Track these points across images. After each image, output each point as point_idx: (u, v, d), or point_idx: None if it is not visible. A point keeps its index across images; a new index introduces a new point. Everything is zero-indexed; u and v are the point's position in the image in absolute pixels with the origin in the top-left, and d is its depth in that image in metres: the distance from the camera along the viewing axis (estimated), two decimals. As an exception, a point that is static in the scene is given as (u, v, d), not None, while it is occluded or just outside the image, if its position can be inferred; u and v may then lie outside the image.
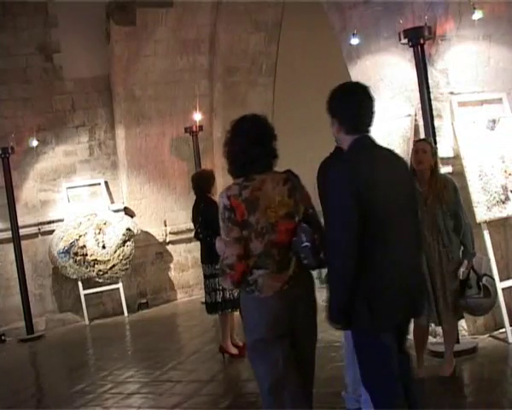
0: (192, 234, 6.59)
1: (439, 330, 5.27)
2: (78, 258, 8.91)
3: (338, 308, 3.01)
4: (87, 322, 9.06)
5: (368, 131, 3.16)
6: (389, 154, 3.24)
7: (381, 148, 3.22)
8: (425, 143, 4.88)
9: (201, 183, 6.21)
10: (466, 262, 4.72)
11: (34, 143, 9.02)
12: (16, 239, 8.57)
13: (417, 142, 5.03)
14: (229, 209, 3.14)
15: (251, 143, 3.18)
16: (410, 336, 5.23)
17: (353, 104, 3.15)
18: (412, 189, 3.28)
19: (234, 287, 3.43)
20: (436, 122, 5.63)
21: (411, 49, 5.55)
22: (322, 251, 3.11)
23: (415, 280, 3.14)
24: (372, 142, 3.16)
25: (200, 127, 9.35)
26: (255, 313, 3.19)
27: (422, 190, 4.72)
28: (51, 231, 9.10)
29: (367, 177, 2.95)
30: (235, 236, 3.12)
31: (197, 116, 9.29)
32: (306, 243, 3.12)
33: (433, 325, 5.08)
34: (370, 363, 3.07)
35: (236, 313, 5.81)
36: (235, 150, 3.25)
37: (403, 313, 3.10)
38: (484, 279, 4.78)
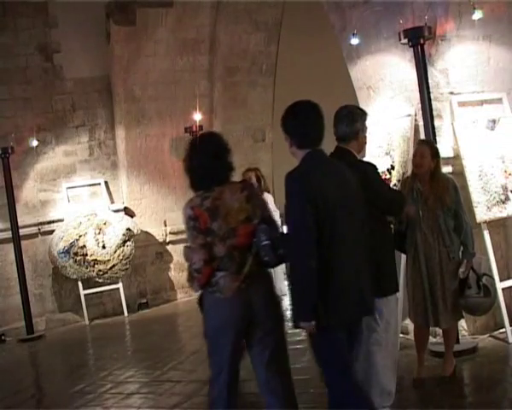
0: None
1: (439, 330, 5.27)
2: (78, 258, 8.91)
3: (308, 307, 3.26)
4: (87, 322, 9.06)
5: (318, 145, 3.46)
6: (337, 165, 3.58)
7: (330, 160, 3.61)
8: (424, 147, 4.83)
9: None
10: (466, 262, 4.72)
11: (34, 143, 9.01)
12: (16, 239, 8.57)
13: (418, 144, 5.01)
14: (193, 219, 3.43)
15: (208, 159, 3.50)
16: (411, 336, 5.27)
17: (302, 123, 3.45)
18: (359, 196, 3.54)
19: (200, 290, 3.60)
20: (436, 122, 5.63)
21: (411, 49, 5.55)
22: (281, 248, 3.39)
23: (364, 281, 3.42)
24: (322, 155, 3.49)
25: (200, 127, 9.34)
26: (216, 311, 3.49)
27: (423, 189, 4.72)
28: (51, 231, 9.10)
29: (318, 186, 3.30)
30: (201, 242, 3.41)
31: (197, 116, 9.29)
32: (266, 242, 3.38)
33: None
34: (328, 359, 3.41)
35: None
36: (194, 166, 3.54)
37: (354, 312, 3.40)
38: (483, 279, 4.78)
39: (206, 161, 3.50)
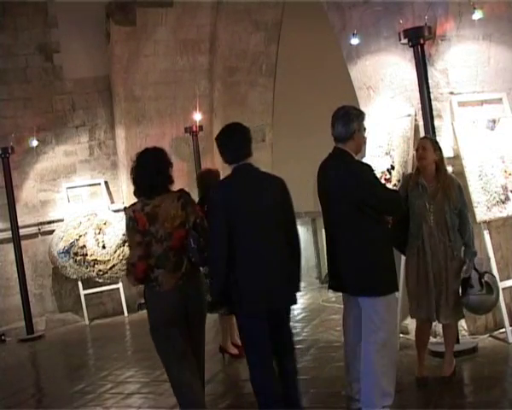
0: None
1: (439, 330, 5.27)
2: (78, 258, 8.91)
3: (216, 291, 4.00)
4: (87, 322, 9.06)
5: (243, 160, 4.03)
6: (262, 176, 4.09)
7: (256, 172, 4.08)
8: (425, 140, 4.89)
9: (210, 181, 6.19)
10: (468, 261, 4.71)
11: (34, 143, 9.01)
12: (16, 239, 8.57)
13: (419, 140, 5.04)
14: (133, 220, 3.96)
15: (152, 174, 3.99)
16: (412, 336, 5.26)
17: (226, 144, 4.08)
18: (281, 203, 3.99)
19: (137, 283, 4.13)
20: (436, 122, 5.63)
21: (411, 49, 5.55)
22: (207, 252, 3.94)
23: (277, 278, 3.91)
24: (246, 169, 4.04)
25: (200, 127, 9.34)
26: (156, 303, 3.98)
27: (429, 185, 4.72)
28: (51, 231, 9.10)
29: (233, 197, 3.90)
30: (138, 240, 3.92)
31: (197, 116, 9.28)
32: (194, 246, 3.92)
33: (433, 324, 5.07)
34: (246, 340, 3.98)
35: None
36: (139, 178, 4.04)
37: (265, 303, 3.89)
38: (485, 276, 4.78)
39: (149, 176, 3.99)
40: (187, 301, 3.94)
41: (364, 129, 4.25)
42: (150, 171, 3.98)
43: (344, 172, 4.10)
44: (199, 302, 4.05)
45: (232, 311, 4.12)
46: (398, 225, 4.77)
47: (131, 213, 3.96)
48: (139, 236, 3.91)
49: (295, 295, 4.07)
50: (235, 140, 4.04)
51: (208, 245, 3.91)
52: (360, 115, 4.20)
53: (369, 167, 4.21)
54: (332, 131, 4.18)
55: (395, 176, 5.88)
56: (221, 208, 3.87)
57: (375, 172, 5.97)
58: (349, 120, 4.12)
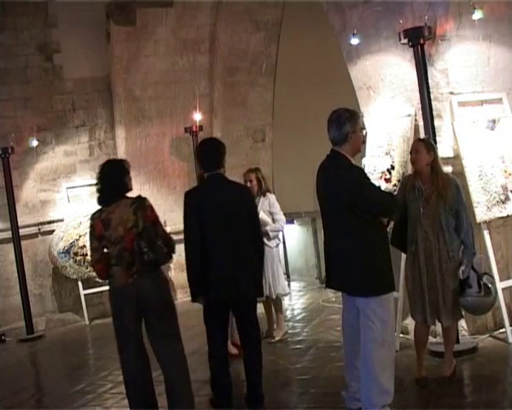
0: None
1: (439, 330, 5.27)
2: (78, 258, 8.92)
3: (191, 284, 4.58)
4: (87, 322, 9.06)
5: (215, 170, 4.62)
6: (230, 185, 4.68)
7: (225, 181, 4.66)
8: (418, 143, 4.88)
9: None
10: (466, 261, 4.71)
11: (34, 143, 9.01)
12: (16, 239, 8.58)
13: (412, 143, 5.04)
14: (92, 227, 4.47)
15: (108, 182, 4.52)
16: (411, 336, 5.27)
17: (202, 155, 4.76)
18: (245, 208, 4.61)
19: (102, 279, 4.69)
20: (436, 122, 5.63)
21: (411, 49, 5.55)
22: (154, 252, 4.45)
23: (239, 274, 4.50)
24: (217, 177, 4.64)
25: (200, 127, 9.35)
26: (114, 298, 4.50)
27: (424, 188, 4.72)
28: (51, 231, 9.10)
29: (202, 202, 4.53)
30: (94, 246, 4.46)
31: (197, 116, 9.29)
32: (146, 249, 4.39)
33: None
34: (205, 324, 4.68)
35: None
36: (98, 187, 4.56)
37: (227, 295, 4.52)
38: (484, 278, 4.78)
39: (106, 185, 4.53)
40: (138, 297, 4.36)
41: (361, 129, 4.23)
42: (107, 181, 4.52)
43: (336, 175, 4.14)
44: (152, 298, 4.41)
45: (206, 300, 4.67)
46: (399, 224, 4.78)
47: (91, 221, 4.49)
48: (96, 241, 4.43)
49: (256, 289, 4.68)
50: (209, 153, 4.68)
51: (184, 242, 4.53)
52: (353, 117, 4.16)
53: (360, 170, 4.26)
54: (328, 134, 4.21)
55: (395, 176, 5.88)
56: (193, 210, 4.51)
57: (376, 172, 6.04)
58: (341, 124, 4.13)
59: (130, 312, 4.39)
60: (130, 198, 4.51)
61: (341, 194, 4.07)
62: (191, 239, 4.51)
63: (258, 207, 6.33)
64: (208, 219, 4.49)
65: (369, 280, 4.07)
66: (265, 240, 6.19)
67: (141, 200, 4.50)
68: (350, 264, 4.11)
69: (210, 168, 4.66)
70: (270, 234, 6.37)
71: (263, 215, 6.26)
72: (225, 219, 4.51)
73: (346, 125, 4.12)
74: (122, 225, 4.36)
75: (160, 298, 4.46)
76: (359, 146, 4.31)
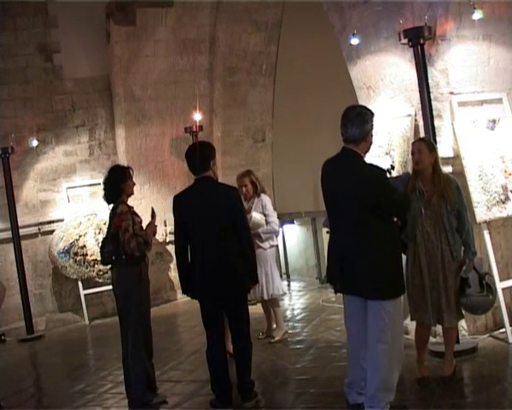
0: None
1: (439, 330, 5.27)
2: (78, 258, 8.91)
3: (180, 280, 4.90)
4: (87, 322, 9.06)
5: (201, 174, 4.82)
6: (217, 187, 4.93)
7: (212, 184, 4.89)
8: (420, 143, 4.84)
9: None
10: (468, 261, 4.71)
11: (34, 143, 9.01)
12: (16, 239, 8.58)
13: (413, 143, 5.00)
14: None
15: (106, 187, 5.27)
16: (412, 336, 5.26)
17: (190, 159, 4.90)
18: (231, 209, 4.76)
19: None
20: (436, 122, 5.63)
21: (411, 49, 5.55)
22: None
23: (222, 272, 4.69)
24: (205, 181, 4.83)
25: (200, 127, 9.35)
26: None
27: (425, 189, 4.71)
28: (51, 231, 9.10)
29: (186, 204, 4.80)
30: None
31: (197, 116, 9.29)
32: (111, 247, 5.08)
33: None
34: (202, 319, 4.90)
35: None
36: (103, 189, 5.30)
37: (210, 291, 4.74)
38: (486, 277, 4.78)
39: (106, 189, 5.28)
40: (114, 286, 5.20)
41: (372, 128, 4.22)
42: (106, 185, 5.24)
43: (358, 175, 4.05)
44: (118, 289, 5.12)
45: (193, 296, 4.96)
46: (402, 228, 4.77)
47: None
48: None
49: (240, 286, 4.82)
50: (195, 157, 4.85)
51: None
52: (372, 115, 4.17)
53: (380, 168, 4.20)
54: (343, 131, 4.12)
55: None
56: (178, 214, 4.82)
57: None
58: (364, 121, 4.07)
59: (116, 299, 5.25)
60: (119, 203, 5.16)
61: (364, 194, 3.96)
62: (176, 241, 4.91)
63: (252, 209, 6.34)
64: (192, 222, 4.75)
65: (387, 283, 4.05)
66: (258, 242, 6.21)
67: (123, 206, 5.12)
68: (367, 266, 4.04)
69: (196, 172, 4.87)
70: (263, 236, 6.36)
71: (256, 216, 6.27)
72: (208, 220, 4.70)
73: (368, 123, 4.07)
74: (108, 227, 5.25)
75: (122, 290, 5.07)
76: (370, 147, 4.28)
